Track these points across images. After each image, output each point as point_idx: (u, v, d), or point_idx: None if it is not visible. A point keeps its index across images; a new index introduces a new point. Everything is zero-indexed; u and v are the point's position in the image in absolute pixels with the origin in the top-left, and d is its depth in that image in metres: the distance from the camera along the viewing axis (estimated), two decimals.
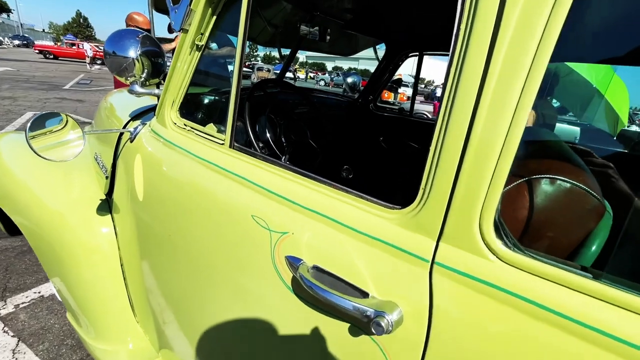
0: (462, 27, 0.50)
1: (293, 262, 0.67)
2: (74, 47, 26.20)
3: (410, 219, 0.58)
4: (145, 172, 1.10)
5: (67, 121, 1.18)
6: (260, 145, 1.35)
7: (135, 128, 1.22)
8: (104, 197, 1.46)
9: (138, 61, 1.10)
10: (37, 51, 25.46)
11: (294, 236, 0.70)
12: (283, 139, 1.37)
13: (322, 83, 28.47)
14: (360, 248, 0.62)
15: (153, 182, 1.08)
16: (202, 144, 0.96)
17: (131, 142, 1.22)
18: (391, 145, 2.51)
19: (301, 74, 24.86)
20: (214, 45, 1.10)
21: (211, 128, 0.96)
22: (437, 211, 0.54)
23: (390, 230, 0.59)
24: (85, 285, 1.45)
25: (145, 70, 1.13)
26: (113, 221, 1.43)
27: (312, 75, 32.38)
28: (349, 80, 2.52)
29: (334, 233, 0.66)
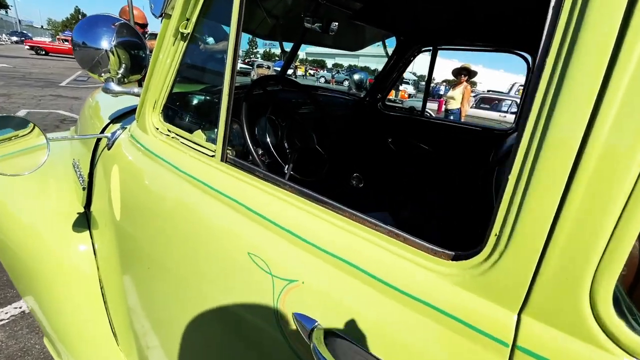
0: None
1: (304, 324, 0.50)
2: (66, 43, 25.75)
3: (476, 278, 0.40)
4: (123, 187, 0.92)
5: (32, 127, 1.00)
6: (260, 152, 1.18)
7: (114, 133, 1.04)
8: (82, 210, 1.28)
9: (113, 54, 0.92)
10: (27, 47, 25.09)
11: (305, 287, 0.52)
12: (286, 143, 1.19)
13: (322, 80, 28.22)
14: (400, 313, 0.44)
15: (131, 199, 0.90)
16: (188, 155, 0.79)
17: (108, 149, 1.04)
18: (401, 147, 2.33)
19: (300, 71, 24.60)
20: (204, 35, 0.92)
21: (199, 136, 0.78)
22: (522, 270, 0.37)
23: (445, 292, 0.42)
24: (61, 309, 1.27)
25: (123, 65, 0.95)
26: (92, 238, 1.25)
27: (311, 72, 32.13)
28: (356, 77, 2.33)
29: (359, 286, 0.48)
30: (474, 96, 11.41)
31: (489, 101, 11.45)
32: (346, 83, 25.28)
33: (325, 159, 1.34)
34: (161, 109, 0.89)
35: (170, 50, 0.83)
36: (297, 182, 0.64)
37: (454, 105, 5.90)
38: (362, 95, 2.42)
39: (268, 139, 1.19)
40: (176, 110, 0.96)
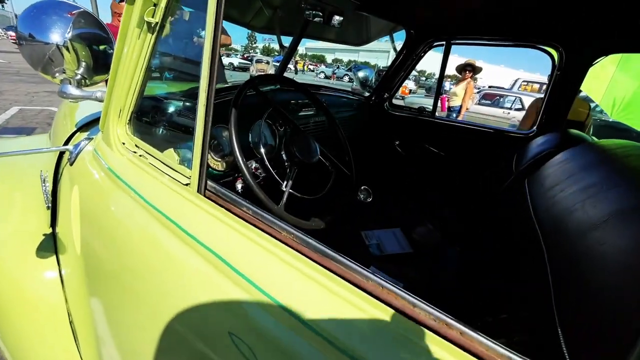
0: None
1: None
2: None
3: None
4: (83, 215, 0.75)
5: None
6: (253, 165, 1.00)
7: (77, 145, 0.86)
8: (49, 230, 1.11)
9: (68, 49, 0.73)
10: (12, 41, 24.69)
11: None
12: (284, 155, 1.02)
13: (322, 76, 27.89)
14: None
15: (91, 230, 0.72)
16: (158, 182, 0.61)
17: (70, 164, 0.86)
18: (410, 152, 2.15)
19: (299, 67, 24.24)
20: (179, 25, 0.73)
21: (171, 156, 0.61)
22: None
23: None
24: (25, 344, 1.11)
25: (83, 64, 0.77)
26: (59, 263, 1.08)
27: (311, 67, 31.80)
28: (360, 74, 2.15)
29: None
30: (477, 92, 11.19)
31: (491, 97, 11.23)
32: (346, 79, 24.99)
33: (330, 172, 1.17)
34: (128, 118, 0.71)
35: (136, 45, 0.65)
36: (298, 213, 0.47)
37: (456, 102, 5.71)
38: (366, 95, 2.24)
39: (263, 149, 1.01)
40: (147, 121, 0.78)
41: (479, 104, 10.81)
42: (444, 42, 1.88)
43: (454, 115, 5.64)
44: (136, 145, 0.69)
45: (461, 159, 1.98)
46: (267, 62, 18.69)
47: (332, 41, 2.06)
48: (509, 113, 9.73)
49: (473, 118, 8.81)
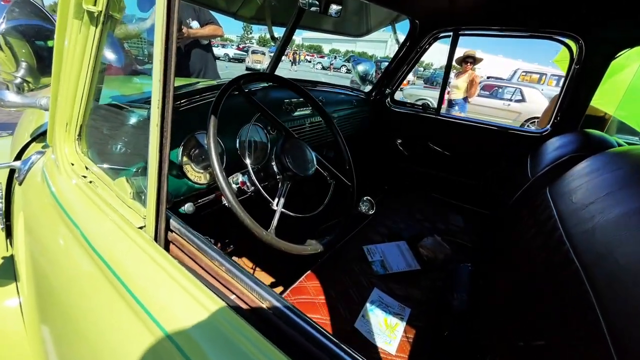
0: None
1: None
2: None
3: None
4: (29, 247, 0.61)
5: None
6: (239, 179, 0.86)
7: (27, 161, 0.72)
8: (7, 253, 0.97)
9: (1, 47, 0.59)
10: None
11: None
12: (275, 166, 0.88)
13: (319, 67, 27.45)
14: None
15: (38, 266, 0.59)
16: (107, 220, 0.47)
17: (20, 184, 0.72)
18: (413, 151, 2.01)
19: (295, 57, 23.80)
20: (135, 13, 0.59)
21: (122, 186, 0.47)
22: None
23: None
24: None
25: (23, 64, 0.62)
26: (18, 291, 0.95)
27: (308, 58, 31.34)
28: (360, 68, 1.99)
29: None
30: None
31: (490, 88, 11.05)
32: (344, 70, 24.60)
33: (329, 183, 1.03)
34: (77, 133, 0.57)
35: (78, 40, 0.50)
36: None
37: (457, 95, 5.56)
38: (366, 90, 2.09)
39: (249, 160, 0.87)
40: (100, 136, 0.64)
41: (478, 95, 10.63)
42: (451, 33, 1.73)
43: (457, 107, 5.49)
44: (86, 168, 0.55)
45: (468, 160, 1.85)
46: (264, 53, 18.29)
47: (330, 32, 1.90)
48: (509, 105, 9.58)
49: (473, 110, 8.64)
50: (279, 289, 1.47)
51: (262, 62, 17.51)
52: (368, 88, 2.09)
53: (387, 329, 0.90)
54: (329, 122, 1.14)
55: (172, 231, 0.45)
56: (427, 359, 0.85)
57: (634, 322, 0.44)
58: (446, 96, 6.06)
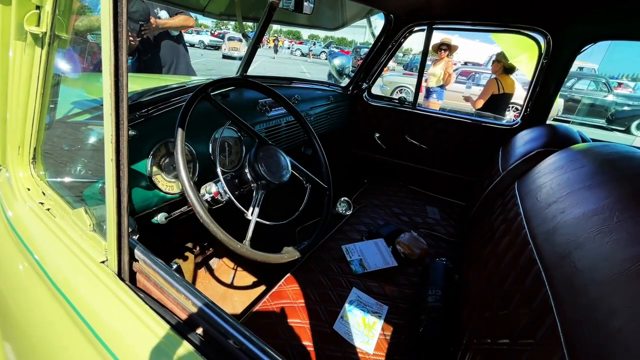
0: None
1: None
2: None
3: None
4: None
5: None
6: (213, 189, 0.84)
7: None
8: None
9: None
10: None
11: None
12: (248, 174, 0.86)
13: (298, 53, 26.96)
14: None
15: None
16: (70, 252, 0.46)
17: None
18: (391, 146, 2.03)
19: (270, 44, 23.17)
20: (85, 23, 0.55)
21: (81, 217, 0.45)
22: None
23: None
24: None
25: None
26: None
27: (287, 45, 30.66)
28: (337, 62, 1.97)
29: None
30: (455, 69, 11.13)
31: (467, 74, 11.21)
32: (323, 56, 24.27)
33: (305, 187, 1.03)
34: (31, 156, 0.54)
35: (23, 60, 0.47)
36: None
37: (434, 82, 5.62)
38: (343, 84, 2.08)
39: (219, 169, 0.85)
40: (58, 158, 0.61)
41: (456, 82, 10.77)
42: (426, 27, 1.73)
43: (434, 96, 5.55)
44: (43, 193, 0.53)
45: (444, 153, 1.89)
46: (241, 40, 17.69)
47: (304, 26, 1.86)
48: None
49: (451, 96, 8.76)
50: (261, 289, 1.48)
51: (239, 50, 16.99)
52: (345, 81, 2.08)
53: (365, 328, 0.93)
54: (303, 124, 1.13)
55: (137, 260, 0.44)
56: (404, 355, 0.88)
57: (585, 327, 0.47)
58: (424, 84, 6.12)
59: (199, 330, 0.37)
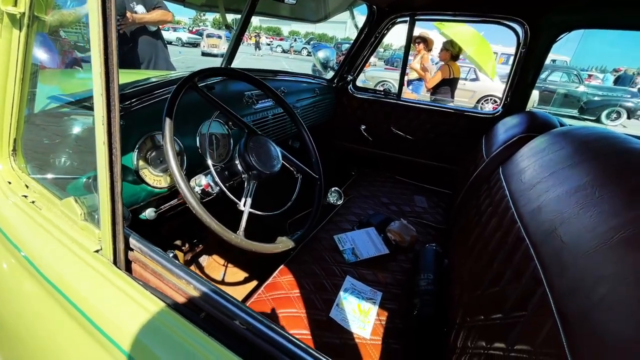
0: None
1: None
2: None
3: None
4: None
5: None
6: (203, 182, 0.83)
7: None
8: None
9: None
10: None
11: None
12: (239, 165, 0.85)
13: (279, 50, 26.70)
14: None
15: None
16: (57, 243, 0.44)
17: None
18: (376, 136, 2.05)
19: (252, 41, 22.81)
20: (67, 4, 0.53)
21: (70, 207, 0.44)
22: None
23: None
24: None
25: None
26: None
27: (268, 41, 30.31)
28: (321, 55, 1.96)
29: None
30: (435, 64, 11.31)
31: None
32: (304, 52, 24.13)
33: (295, 177, 1.03)
34: (11, 147, 0.51)
35: (1, 46, 0.44)
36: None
37: (413, 75, 5.74)
38: (327, 77, 2.08)
39: (210, 161, 0.84)
40: (41, 148, 0.58)
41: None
42: (408, 18, 1.75)
43: (410, 88, 5.67)
44: (26, 186, 0.50)
45: (429, 142, 1.93)
46: (220, 37, 17.37)
47: (287, 18, 1.84)
48: (464, 84, 9.99)
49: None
50: (253, 284, 1.47)
51: (218, 47, 16.66)
52: (329, 74, 2.08)
53: (360, 314, 0.94)
54: (291, 115, 1.12)
55: (132, 249, 0.42)
56: (400, 338, 0.90)
57: (574, 296, 0.50)
58: (406, 77, 6.20)
59: (203, 315, 0.37)
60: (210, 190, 0.85)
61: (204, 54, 16.57)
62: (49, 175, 0.54)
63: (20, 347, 0.49)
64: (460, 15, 1.64)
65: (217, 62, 1.31)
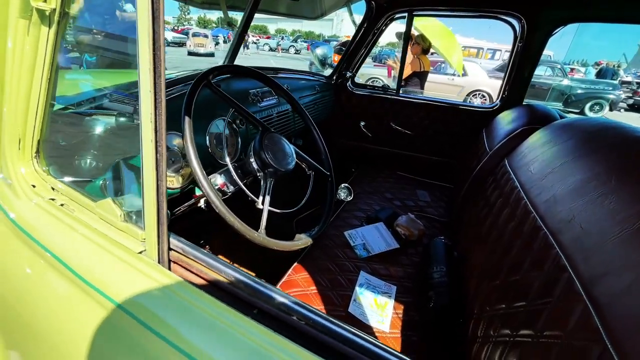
0: None
1: None
2: None
3: None
4: None
5: None
6: (220, 182, 0.81)
7: None
8: None
9: None
10: None
11: None
12: (254, 163, 0.84)
13: (266, 48, 26.49)
14: None
15: (8, 314, 0.52)
16: (93, 245, 0.43)
17: None
18: (376, 132, 2.06)
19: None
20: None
21: (108, 208, 0.43)
22: None
23: None
24: None
25: None
26: None
27: (254, 39, 30.04)
28: (319, 52, 1.96)
29: None
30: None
31: (434, 64, 11.54)
32: (292, 50, 24.01)
33: (307, 175, 1.02)
34: (34, 150, 0.50)
35: (27, 43, 0.43)
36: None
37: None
38: (325, 74, 2.07)
39: (228, 158, 0.83)
40: (68, 151, 0.57)
41: None
42: (406, 14, 1.76)
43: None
44: (52, 189, 0.49)
45: (429, 137, 1.95)
46: (206, 36, 17.12)
47: (285, 15, 1.83)
48: (453, 79, 10.12)
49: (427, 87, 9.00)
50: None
51: (205, 46, 16.43)
52: (327, 72, 2.08)
53: (378, 308, 0.95)
54: (301, 113, 1.12)
55: (172, 250, 0.42)
56: (418, 331, 0.91)
57: (603, 281, 0.51)
58: (392, 72, 6.25)
59: (255, 311, 0.37)
60: (225, 189, 0.84)
61: (190, 53, 16.31)
62: (74, 178, 0.52)
63: (52, 350, 0.47)
64: (458, 10, 1.66)
65: (204, 62, 1.29)
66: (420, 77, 3.81)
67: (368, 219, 1.34)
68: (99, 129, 0.59)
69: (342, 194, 1.11)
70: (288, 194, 1.02)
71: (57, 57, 0.45)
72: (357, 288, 0.99)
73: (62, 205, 0.48)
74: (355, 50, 1.94)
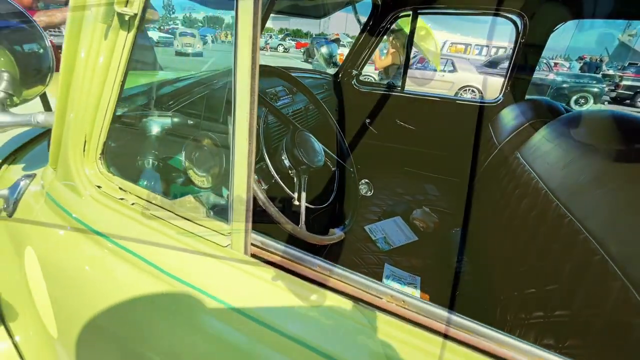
0: None
1: None
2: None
3: None
4: (54, 289, 0.55)
5: None
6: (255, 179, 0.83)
7: (15, 187, 0.63)
8: None
9: None
10: None
11: None
12: (285, 160, 0.86)
13: None
14: None
15: (73, 308, 0.53)
16: (175, 241, 0.45)
17: (9, 215, 0.63)
18: (383, 130, 2.10)
19: (229, 39, 22.27)
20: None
21: (189, 205, 0.44)
22: None
23: None
24: None
25: (4, 75, 0.53)
26: (9, 332, 0.84)
27: None
28: (324, 50, 1.98)
29: None
30: (412, 56, 11.51)
31: (422, 60, 11.67)
32: (281, 49, 23.86)
33: (332, 171, 1.05)
34: (99, 151, 0.51)
35: (103, 47, 0.44)
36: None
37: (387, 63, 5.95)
38: (330, 72, 2.09)
39: (267, 156, 0.84)
40: (132, 150, 0.58)
41: (415, 68, 11.14)
42: (411, 13, 1.79)
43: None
44: (120, 189, 0.50)
45: (434, 133, 1.99)
46: (194, 35, 16.86)
47: (290, 14, 1.84)
48: (443, 75, 10.24)
49: (412, 82, 9.08)
50: None
51: (193, 46, 16.20)
52: (331, 70, 2.10)
53: None
54: (321, 109, 1.14)
55: (254, 245, 0.44)
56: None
57: (637, 260, 0.55)
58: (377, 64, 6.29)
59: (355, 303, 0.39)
60: (259, 185, 0.85)
61: (177, 53, 16.05)
62: (141, 177, 0.53)
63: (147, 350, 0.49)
64: (462, 9, 1.70)
65: (192, 62, 1.30)
66: (399, 66, 4.09)
67: (384, 213, 1.38)
68: (156, 129, 0.60)
69: (364, 189, 1.13)
70: (314, 189, 1.04)
71: (130, 61, 0.46)
72: (384, 280, 1.02)
73: (133, 204, 0.49)
74: (360, 49, 1.96)
